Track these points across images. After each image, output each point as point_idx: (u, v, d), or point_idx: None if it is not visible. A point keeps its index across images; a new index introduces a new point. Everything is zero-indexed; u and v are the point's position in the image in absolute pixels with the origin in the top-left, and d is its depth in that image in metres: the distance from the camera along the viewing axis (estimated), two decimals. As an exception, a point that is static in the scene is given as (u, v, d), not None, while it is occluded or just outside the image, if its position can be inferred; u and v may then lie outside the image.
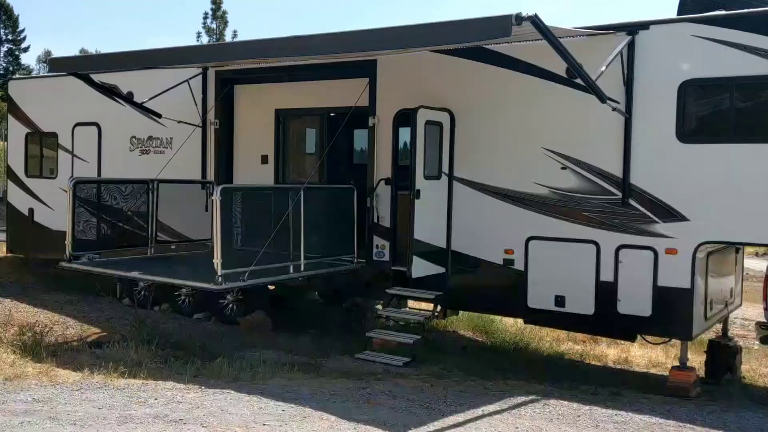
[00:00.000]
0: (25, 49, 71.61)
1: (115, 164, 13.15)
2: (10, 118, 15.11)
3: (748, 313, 14.97)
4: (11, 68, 68.52)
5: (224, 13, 62.14)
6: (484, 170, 9.33)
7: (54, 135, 14.14)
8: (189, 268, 10.11)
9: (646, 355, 11.61)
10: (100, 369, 7.61)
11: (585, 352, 11.68)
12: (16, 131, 14.93)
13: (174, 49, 9.80)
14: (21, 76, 40.00)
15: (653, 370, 10.69)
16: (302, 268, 9.49)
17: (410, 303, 10.74)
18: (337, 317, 12.95)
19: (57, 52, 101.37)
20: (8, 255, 15.24)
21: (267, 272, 9.06)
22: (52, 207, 14.06)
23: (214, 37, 61.35)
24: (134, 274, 9.20)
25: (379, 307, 12.41)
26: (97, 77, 12.09)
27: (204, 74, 11.91)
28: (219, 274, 8.29)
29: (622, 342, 11.46)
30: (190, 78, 11.74)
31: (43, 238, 14.11)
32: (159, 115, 12.05)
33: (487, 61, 9.28)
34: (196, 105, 11.88)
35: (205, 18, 61.77)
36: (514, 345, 11.26)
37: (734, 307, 10.06)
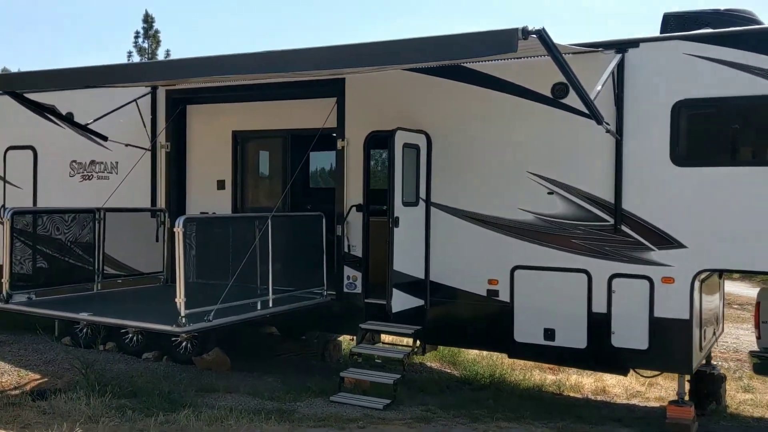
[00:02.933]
0: (-58, 69, 68.19)
1: (53, 191, 12.09)
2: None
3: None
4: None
5: (157, 32, 60.53)
6: (465, 195, 8.79)
7: (-17, 160, 12.98)
8: (142, 305, 9.22)
9: (620, 384, 11.25)
10: (49, 429, 6.65)
11: (560, 382, 11.22)
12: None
13: (127, 65, 8.96)
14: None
15: (634, 401, 10.30)
16: (270, 304, 8.72)
17: (383, 337, 10.08)
18: (297, 351, 12.19)
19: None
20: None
21: (232, 309, 8.26)
22: (-19, 238, 12.87)
23: (146, 56, 59.68)
24: (83, 315, 8.23)
25: (342, 341, 11.75)
26: (33, 96, 11.09)
27: (153, 93, 11.05)
28: (182, 314, 7.44)
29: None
30: (139, 98, 10.88)
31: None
32: (105, 138, 11.09)
33: (465, 80, 8.77)
34: (144, 126, 11.01)
35: (137, 37, 60.06)
36: (491, 379, 10.69)
37: (720, 334, 9.77)
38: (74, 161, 11.90)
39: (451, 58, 7.10)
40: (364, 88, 9.45)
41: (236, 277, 8.33)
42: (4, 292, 8.76)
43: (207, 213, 10.85)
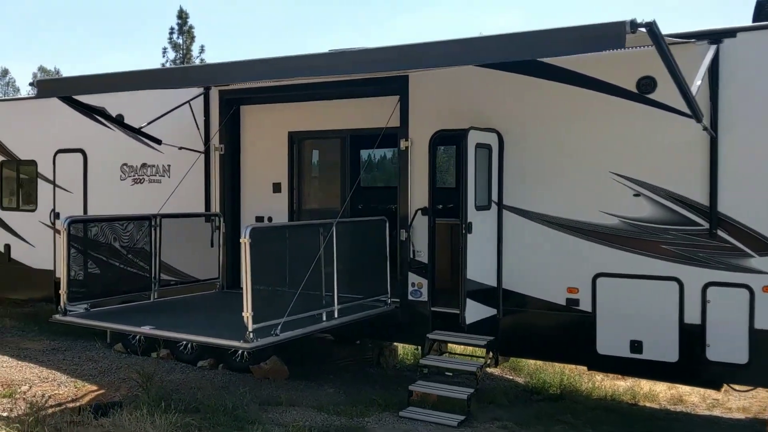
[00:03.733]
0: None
1: (104, 195, 11.81)
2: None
3: None
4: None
5: (191, 28, 60.77)
6: (541, 198, 8.27)
7: (33, 163, 12.76)
8: (203, 315, 8.87)
9: (696, 392, 10.64)
10: (116, 453, 6.33)
11: (633, 390, 10.66)
12: (-11, 159, 13.52)
13: (191, 68, 8.61)
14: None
15: (715, 412, 9.71)
16: (336, 314, 8.30)
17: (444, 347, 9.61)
18: (353, 357, 11.79)
19: (14, 71, 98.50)
20: (-19, 296, 13.78)
21: (298, 321, 7.84)
22: (32, 243, 12.68)
23: (181, 52, 59.88)
24: (145, 329, 7.87)
25: (397, 347, 11.28)
26: (82, 98, 10.79)
27: (206, 94, 10.67)
28: (250, 329, 7.03)
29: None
30: (191, 99, 10.51)
31: (22, 277, 12.72)
32: (159, 142, 10.75)
33: (540, 75, 8.23)
34: (198, 128, 10.64)
35: (171, 33, 60.41)
36: (561, 388, 10.16)
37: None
38: (125, 164, 11.59)
39: (551, 55, 6.59)
40: (428, 85, 8.96)
41: (293, 285, 7.92)
42: (62, 304, 8.46)
43: (262, 217, 10.49)
